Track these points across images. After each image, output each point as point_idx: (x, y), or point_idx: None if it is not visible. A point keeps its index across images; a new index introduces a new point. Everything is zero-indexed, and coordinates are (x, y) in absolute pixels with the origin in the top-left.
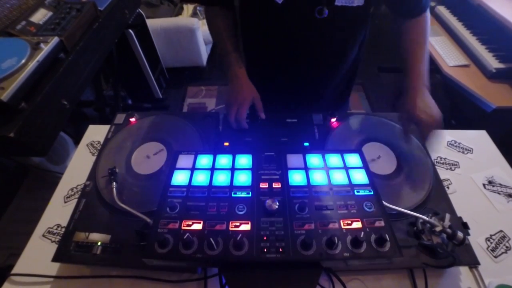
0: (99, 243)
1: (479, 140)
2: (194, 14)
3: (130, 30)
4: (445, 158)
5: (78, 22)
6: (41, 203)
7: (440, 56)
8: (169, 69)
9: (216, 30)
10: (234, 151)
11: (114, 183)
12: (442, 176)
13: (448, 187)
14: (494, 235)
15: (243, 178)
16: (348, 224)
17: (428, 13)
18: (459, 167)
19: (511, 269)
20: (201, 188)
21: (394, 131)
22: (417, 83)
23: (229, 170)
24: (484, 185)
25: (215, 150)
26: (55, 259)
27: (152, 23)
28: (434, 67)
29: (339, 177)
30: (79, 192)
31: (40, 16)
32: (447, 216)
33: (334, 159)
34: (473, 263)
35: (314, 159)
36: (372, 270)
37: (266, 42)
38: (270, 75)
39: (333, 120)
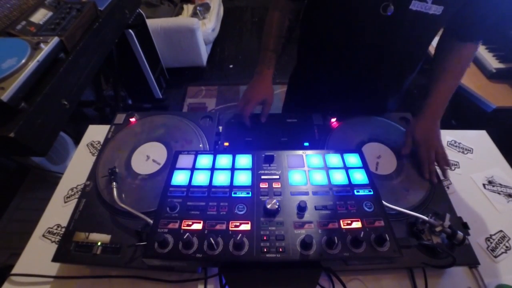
0: (99, 243)
1: (479, 140)
2: (194, 14)
3: (130, 30)
4: None
5: (78, 22)
6: (41, 203)
7: None
8: (169, 69)
9: (269, 22)
10: (234, 151)
11: (114, 183)
12: (442, 176)
13: (448, 187)
14: (494, 235)
15: (243, 178)
16: (348, 224)
17: (477, 45)
18: (459, 167)
19: (511, 269)
20: (201, 188)
21: (394, 132)
22: (432, 113)
23: (229, 170)
24: (484, 185)
25: (215, 150)
26: (55, 259)
27: (152, 23)
28: None
29: (339, 177)
30: (79, 192)
31: (40, 16)
32: (447, 216)
33: (334, 159)
34: (473, 263)
35: (314, 159)
36: (372, 270)
37: (330, 34)
38: (327, 70)
39: (333, 120)
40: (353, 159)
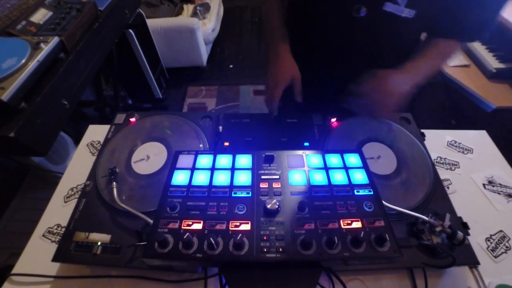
0: (99, 243)
1: (479, 140)
2: (194, 14)
3: (130, 30)
4: (445, 158)
5: (78, 22)
6: (41, 203)
7: None
8: (169, 69)
9: (269, 10)
10: (234, 151)
11: (114, 183)
12: (442, 176)
13: (448, 187)
14: (494, 235)
15: (243, 178)
16: (348, 224)
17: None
18: (459, 167)
19: (511, 269)
20: (201, 188)
21: (394, 131)
22: (406, 71)
23: (229, 170)
24: (484, 185)
25: (215, 150)
26: (55, 259)
27: (152, 23)
28: None
29: (339, 177)
30: (79, 192)
31: (40, 16)
32: (447, 216)
33: (334, 159)
34: (473, 263)
35: (314, 159)
36: (372, 270)
37: (310, 35)
38: (312, 70)
39: (333, 120)
40: (353, 159)
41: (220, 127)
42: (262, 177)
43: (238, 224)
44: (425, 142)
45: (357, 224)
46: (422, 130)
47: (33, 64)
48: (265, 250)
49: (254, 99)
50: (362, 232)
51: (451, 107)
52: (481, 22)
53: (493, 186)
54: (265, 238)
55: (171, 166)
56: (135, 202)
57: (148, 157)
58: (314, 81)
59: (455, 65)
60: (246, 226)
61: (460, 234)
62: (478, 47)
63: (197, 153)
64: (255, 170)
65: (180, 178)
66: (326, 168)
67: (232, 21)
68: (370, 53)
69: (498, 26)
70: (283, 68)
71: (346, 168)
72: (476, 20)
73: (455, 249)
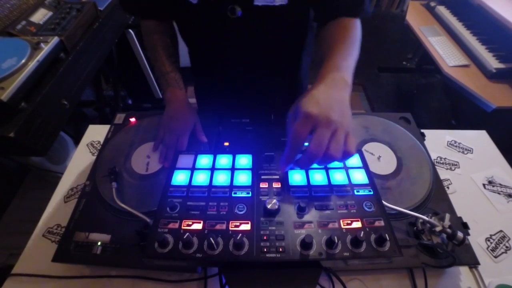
0: (99, 243)
1: (479, 140)
2: None
3: (130, 30)
4: (445, 158)
5: (78, 22)
6: (41, 203)
7: (440, 56)
8: None
9: (152, 47)
10: (234, 151)
11: (114, 183)
12: (442, 176)
13: (448, 187)
14: (494, 235)
15: (243, 178)
16: (348, 224)
17: (356, 22)
18: (459, 167)
19: (511, 269)
20: (201, 188)
21: (394, 132)
22: (327, 72)
23: (229, 170)
24: (484, 185)
25: (215, 150)
26: (55, 259)
27: None
28: (434, 67)
29: (339, 177)
30: (79, 192)
31: (40, 16)
32: (447, 216)
33: None
34: (473, 263)
35: None
36: (372, 270)
37: (200, 45)
38: (216, 80)
39: None
40: (353, 159)
41: (220, 127)
42: (262, 177)
43: (238, 224)
44: (425, 142)
45: (357, 224)
46: (422, 130)
47: (33, 64)
48: (265, 250)
49: None
50: (362, 232)
51: (451, 107)
52: None
53: (493, 186)
54: (265, 238)
55: (171, 166)
56: (135, 202)
57: (148, 157)
58: (217, 83)
59: (455, 65)
60: (246, 226)
61: (460, 234)
62: (478, 47)
63: (197, 153)
64: (255, 170)
65: (180, 178)
66: (326, 168)
67: None
68: (258, 49)
69: (498, 25)
70: (186, 116)
71: (346, 168)
72: None
73: (455, 249)
